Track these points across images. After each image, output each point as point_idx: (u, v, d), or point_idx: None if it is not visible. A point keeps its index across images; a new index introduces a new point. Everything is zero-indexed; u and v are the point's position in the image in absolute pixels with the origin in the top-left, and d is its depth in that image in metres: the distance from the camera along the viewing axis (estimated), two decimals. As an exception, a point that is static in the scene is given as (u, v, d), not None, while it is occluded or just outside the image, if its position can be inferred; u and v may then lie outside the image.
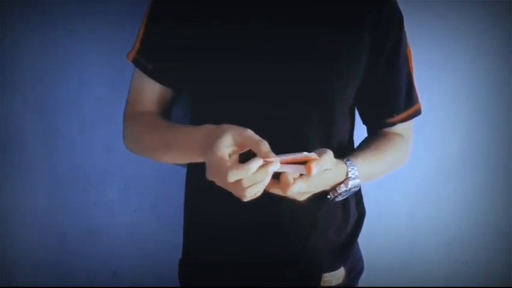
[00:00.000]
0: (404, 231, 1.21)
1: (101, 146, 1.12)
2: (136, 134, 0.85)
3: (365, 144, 0.88)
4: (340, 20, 0.77)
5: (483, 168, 1.17)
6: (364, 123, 0.92)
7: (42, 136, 1.10)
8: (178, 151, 0.76)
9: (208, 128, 0.69)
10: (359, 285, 0.96)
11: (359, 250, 0.96)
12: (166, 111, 0.88)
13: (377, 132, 0.90)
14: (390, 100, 0.86)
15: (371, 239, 1.16)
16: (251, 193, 0.62)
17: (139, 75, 0.84)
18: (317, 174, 0.64)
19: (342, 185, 0.75)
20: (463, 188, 1.18)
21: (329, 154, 0.67)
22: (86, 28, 1.04)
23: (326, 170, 0.68)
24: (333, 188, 0.76)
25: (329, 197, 0.77)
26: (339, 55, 0.78)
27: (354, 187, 0.77)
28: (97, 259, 1.18)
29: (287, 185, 0.65)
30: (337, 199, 0.78)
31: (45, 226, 1.15)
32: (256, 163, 0.60)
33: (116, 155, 1.12)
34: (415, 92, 0.88)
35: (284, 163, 0.63)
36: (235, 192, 0.63)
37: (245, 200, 0.63)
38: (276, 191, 0.67)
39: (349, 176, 0.75)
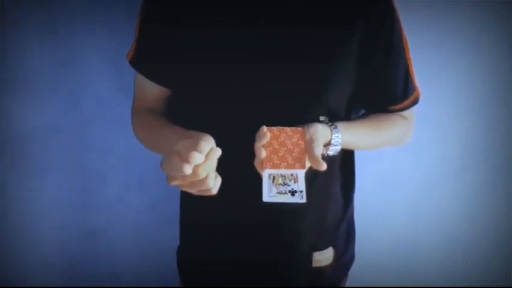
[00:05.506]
0: (404, 231, 1.21)
1: (101, 146, 1.12)
2: (137, 130, 0.90)
3: (361, 117, 0.90)
4: (332, 20, 0.77)
5: (483, 168, 1.17)
6: (365, 110, 0.94)
7: (42, 136, 1.10)
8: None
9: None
10: (357, 284, 0.96)
11: (352, 238, 0.97)
12: (171, 107, 0.90)
13: None
14: (387, 93, 0.87)
15: (371, 239, 1.16)
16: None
17: (138, 75, 0.86)
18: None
19: (324, 148, 0.76)
20: (463, 188, 1.18)
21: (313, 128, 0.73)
22: (86, 28, 1.04)
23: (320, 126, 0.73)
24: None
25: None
26: (331, 55, 0.78)
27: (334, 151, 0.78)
28: (97, 259, 1.18)
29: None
30: None
31: (46, 226, 1.15)
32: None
33: (116, 155, 1.12)
34: (412, 81, 0.88)
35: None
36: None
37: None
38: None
39: (332, 142, 0.76)
